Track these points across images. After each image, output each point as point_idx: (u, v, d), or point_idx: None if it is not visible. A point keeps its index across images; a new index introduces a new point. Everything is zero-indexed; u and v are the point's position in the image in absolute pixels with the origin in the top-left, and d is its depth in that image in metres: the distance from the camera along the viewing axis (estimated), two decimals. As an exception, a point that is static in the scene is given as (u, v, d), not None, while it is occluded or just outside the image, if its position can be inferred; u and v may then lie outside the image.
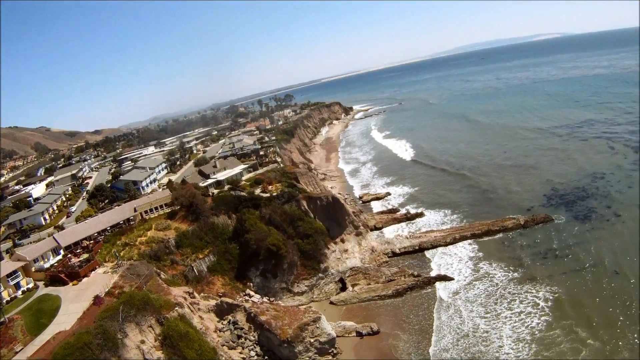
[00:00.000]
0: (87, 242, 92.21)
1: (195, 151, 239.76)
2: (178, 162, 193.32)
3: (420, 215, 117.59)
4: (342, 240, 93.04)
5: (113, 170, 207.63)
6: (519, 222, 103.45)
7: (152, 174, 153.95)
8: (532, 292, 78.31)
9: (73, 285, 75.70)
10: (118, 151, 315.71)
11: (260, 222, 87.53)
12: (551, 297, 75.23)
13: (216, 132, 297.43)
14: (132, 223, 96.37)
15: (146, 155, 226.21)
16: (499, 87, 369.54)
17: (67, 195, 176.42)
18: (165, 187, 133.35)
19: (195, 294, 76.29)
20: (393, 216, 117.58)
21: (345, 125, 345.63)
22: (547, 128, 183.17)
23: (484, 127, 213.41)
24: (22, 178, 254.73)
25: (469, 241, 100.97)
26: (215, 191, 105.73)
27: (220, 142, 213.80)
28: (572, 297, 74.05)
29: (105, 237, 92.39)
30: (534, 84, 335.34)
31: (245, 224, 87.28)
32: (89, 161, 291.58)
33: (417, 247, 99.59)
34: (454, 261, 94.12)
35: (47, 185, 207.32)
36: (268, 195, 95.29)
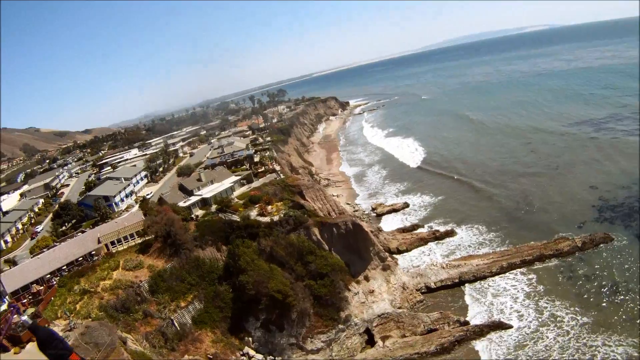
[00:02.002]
0: (37, 287, 71.31)
1: (181, 154, 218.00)
2: (161, 169, 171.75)
3: (451, 233, 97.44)
4: (367, 278, 72.28)
5: (91, 177, 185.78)
6: (576, 243, 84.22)
7: (129, 185, 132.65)
8: (610, 346, 59.96)
9: (15, 354, 54.69)
10: (101, 154, 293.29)
11: (259, 259, 66.81)
12: (636, 354, 57.21)
13: (205, 132, 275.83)
14: (95, 259, 75.23)
15: (127, 159, 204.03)
16: (499, 80, 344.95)
17: (38, 210, 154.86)
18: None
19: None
20: (418, 235, 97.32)
21: (343, 121, 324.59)
22: (565, 126, 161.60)
23: (490, 126, 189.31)
24: (3, 185, 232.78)
25: (520, 270, 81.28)
26: (200, 213, 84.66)
27: (208, 145, 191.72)
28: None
29: (61, 279, 71.41)
30: (537, 77, 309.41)
31: (240, 260, 66.49)
32: (70, 166, 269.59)
33: (456, 280, 79.57)
34: (507, 299, 74.41)
35: (21, 195, 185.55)
36: (268, 220, 74.19)
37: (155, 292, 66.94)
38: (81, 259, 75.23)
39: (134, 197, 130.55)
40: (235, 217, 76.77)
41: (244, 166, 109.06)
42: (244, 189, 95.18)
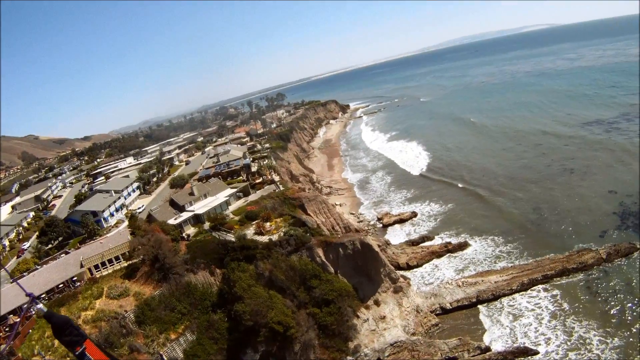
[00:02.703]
0: (14, 318, 64.65)
1: (177, 162, 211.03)
2: (155, 179, 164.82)
3: (464, 246, 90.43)
4: (377, 303, 65.18)
5: (84, 188, 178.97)
6: (600, 255, 77.64)
7: (119, 198, 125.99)
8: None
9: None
10: (96, 162, 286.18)
11: (256, 284, 59.89)
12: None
13: (202, 139, 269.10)
14: (77, 285, 68.50)
15: (120, 169, 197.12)
16: (502, 80, 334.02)
17: (27, 224, 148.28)
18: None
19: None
20: (429, 249, 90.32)
21: (344, 125, 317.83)
22: (573, 128, 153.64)
23: (494, 130, 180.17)
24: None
25: (542, 286, 74.50)
26: (192, 231, 77.79)
27: (202, 154, 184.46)
28: None
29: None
30: (540, 77, 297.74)
31: (235, 287, 59.68)
32: (65, 175, 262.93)
33: (474, 300, 72.69)
34: (530, 320, 67.58)
35: (13, 208, 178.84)
36: (266, 239, 67.18)
37: (143, 323, 60.14)
38: (62, 285, 68.55)
39: (124, 211, 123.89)
40: (230, 236, 69.98)
41: (241, 177, 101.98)
42: (241, 202, 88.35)
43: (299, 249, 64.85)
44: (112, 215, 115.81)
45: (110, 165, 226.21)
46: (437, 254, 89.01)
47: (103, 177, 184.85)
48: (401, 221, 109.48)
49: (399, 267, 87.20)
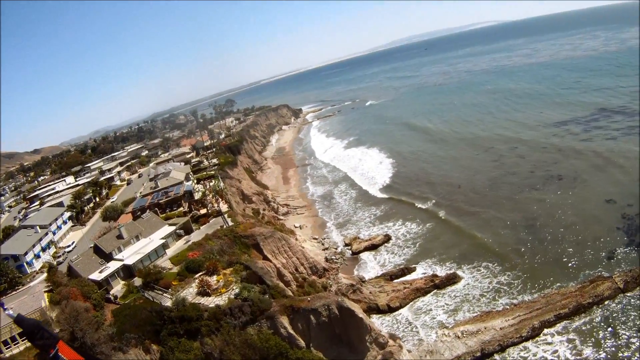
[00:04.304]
0: None
1: (118, 181, 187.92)
2: (92, 204, 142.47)
3: (454, 279, 75.88)
4: (363, 382, 49.42)
5: (20, 214, 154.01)
6: (616, 284, 65.73)
7: (46, 234, 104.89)
8: None
9: None
10: (37, 182, 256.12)
11: (201, 375, 42.56)
12: None
13: (146, 152, 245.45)
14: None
15: (58, 192, 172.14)
16: (458, 79, 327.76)
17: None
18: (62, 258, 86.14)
19: None
20: (412, 284, 75.23)
21: (298, 131, 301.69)
22: (547, 128, 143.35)
23: (460, 137, 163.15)
24: None
25: (556, 328, 61.11)
26: (121, 288, 59.25)
27: (139, 177, 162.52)
28: None
29: None
30: (496, 75, 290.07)
31: (171, 380, 42.08)
32: (3, 198, 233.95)
33: (478, 354, 58.16)
34: (550, 377, 53.90)
35: None
36: (213, 305, 49.59)
37: None
38: None
39: (52, 250, 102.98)
40: (167, 298, 52.12)
41: (182, 207, 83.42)
42: (181, 243, 70.14)
43: (257, 318, 47.80)
44: (37, 257, 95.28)
45: (49, 185, 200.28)
46: (423, 290, 74.08)
47: (38, 203, 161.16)
48: (373, 247, 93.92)
49: (378, 310, 71.89)
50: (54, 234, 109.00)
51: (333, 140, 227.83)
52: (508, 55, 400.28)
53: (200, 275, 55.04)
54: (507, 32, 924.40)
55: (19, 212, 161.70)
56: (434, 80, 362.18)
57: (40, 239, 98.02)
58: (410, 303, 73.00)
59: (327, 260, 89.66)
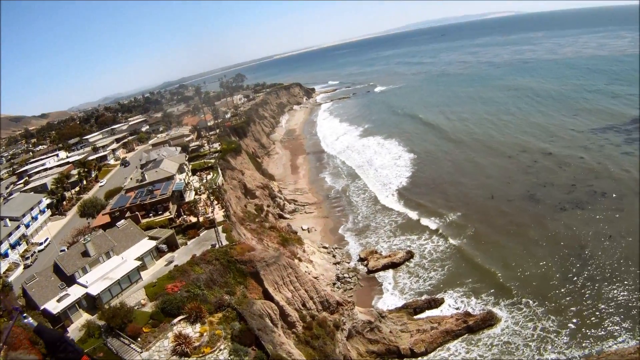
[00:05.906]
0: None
1: (111, 160, 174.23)
2: (78, 187, 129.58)
3: (490, 320, 62.77)
4: None
5: (6, 192, 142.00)
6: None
7: (18, 227, 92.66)
8: None
9: None
10: (31, 154, 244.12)
11: None
12: None
13: (147, 127, 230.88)
14: None
15: (47, 169, 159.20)
16: (480, 71, 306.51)
17: None
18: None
19: None
20: (441, 323, 62.31)
21: (309, 112, 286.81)
22: (583, 134, 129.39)
23: (478, 139, 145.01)
24: None
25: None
26: (82, 322, 46.38)
27: (124, 166, 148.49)
28: None
29: None
30: (521, 71, 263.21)
31: None
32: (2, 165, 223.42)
33: None
34: None
35: None
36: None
37: None
38: None
39: (23, 246, 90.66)
40: (135, 352, 39.31)
41: (169, 211, 69.88)
42: (162, 264, 56.95)
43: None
44: (5, 256, 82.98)
45: (40, 160, 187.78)
46: (453, 333, 61.20)
47: (23, 181, 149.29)
48: (392, 265, 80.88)
49: (399, 355, 59.23)
50: (27, 226, 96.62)
51: (347, 126, 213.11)
52: (531, 49, 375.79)
53: (179, 321, 42.09)
54: (525, 23, 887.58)
55: (6, 188, 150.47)
56: (452, 69, 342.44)
57: (10, 233, 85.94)
58: (438, 348, 60.23)
59: (338, 278, 76.73)
